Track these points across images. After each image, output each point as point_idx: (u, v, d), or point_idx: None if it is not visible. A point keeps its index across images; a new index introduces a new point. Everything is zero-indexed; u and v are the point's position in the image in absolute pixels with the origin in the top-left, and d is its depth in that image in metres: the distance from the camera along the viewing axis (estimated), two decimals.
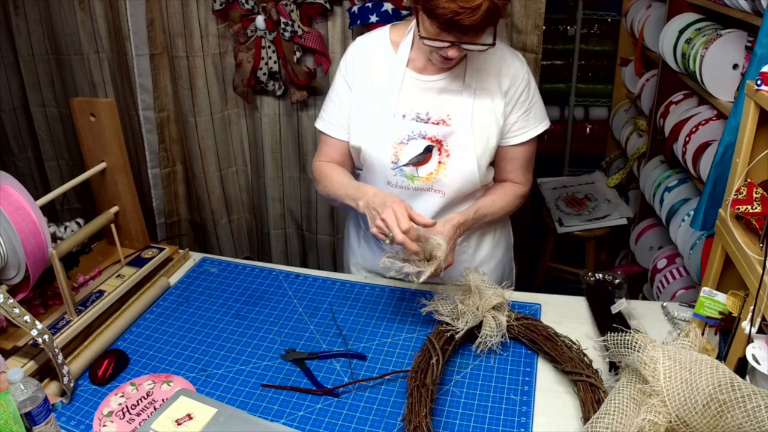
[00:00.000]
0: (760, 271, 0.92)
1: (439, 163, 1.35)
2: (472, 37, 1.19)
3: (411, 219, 1.18)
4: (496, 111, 1.35)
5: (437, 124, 1.35)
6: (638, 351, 0.99)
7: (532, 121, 1.39)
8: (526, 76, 1.36)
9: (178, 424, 1.04)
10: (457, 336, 1.21)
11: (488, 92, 1.34)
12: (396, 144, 1.35)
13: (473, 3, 1.10)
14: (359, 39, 1.42)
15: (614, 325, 1.23)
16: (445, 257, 1.23)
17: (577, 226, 2.74)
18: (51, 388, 1.18)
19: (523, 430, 1.08)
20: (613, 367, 1.15)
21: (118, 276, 1.49)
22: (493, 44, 1.22)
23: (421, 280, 1.19)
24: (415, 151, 1.35)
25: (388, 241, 1.17)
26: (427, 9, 1.15)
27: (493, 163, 1.44)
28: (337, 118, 1.42)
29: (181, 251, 1.66)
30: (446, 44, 1.20)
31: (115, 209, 1.54)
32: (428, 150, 1.35)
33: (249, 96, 2.07)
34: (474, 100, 1.33)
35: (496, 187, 1.45)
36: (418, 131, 1.35)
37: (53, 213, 2.54)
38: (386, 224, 1.17)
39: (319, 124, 1.47)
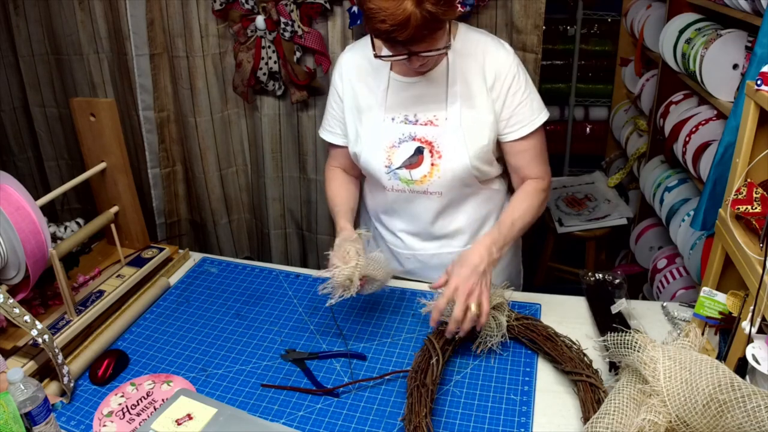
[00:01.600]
0: (760, 271, 0.92)
1: (432, 165, 1.34)
2: (426, 46, 1.17)
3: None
4: (483, 107, 1.32)
5: (425, 125, 1.34)
6: (638, 351, 0.99)
7: (529, 113, 1.34)
8: (513, 66, 1.31)
9: (178, 424, 1.04)
10: (457, 336, 1.21)
11: (473, 89, 1.32)
12: (388, 148, 1.36)
13: (399, 18, 1.08)
14: (347, 48, 1.45)
15: (614, 325, 1.23)
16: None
17: (577, 226, 2.74)
18: (51, 388, 1.18)
19: (523, 430, 1.08)
20: (613, 367, 1.15)
21: (118, 276, 1.49)
22: (447, 47, 1.20)
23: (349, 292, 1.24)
24: (406, 153, 1.35)
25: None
26: (369, 30, 1.15)
27: (499, 159, 1.42)
28: (334, 127, 1.46)
29: (181, 251, 1.66)
30: (403, 57, 1.20)
31: (115, 209, 1.54)
32: (419, 152, 1.34)
33: (249, 96, 2.07)
34: (460, 99, 1.32)
35: (516, 192, 1.40)
36: (408, 133, 1.35)
37: (53, 213, 2.53)
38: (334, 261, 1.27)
39: (322, 134, 1.50)
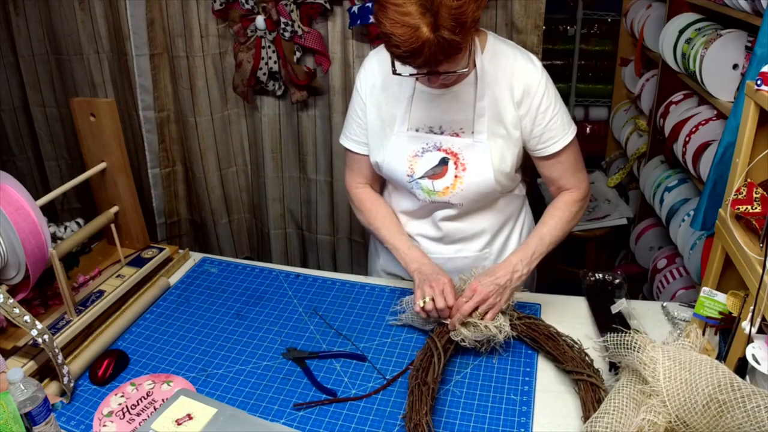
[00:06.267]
0: (760, 271, 0.92)
1: (456, 177, 1.32)
2: (445, 66, 1.13)
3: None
4: (510, 122, 1.29)
5: (451, 136, 1.32)
6: (638, 351, 0.99)
7: (561, 128, 1.30)
8: (542, 82, 1.27)
9: (178, 424, 1.04)
10: (460, 341, 1.22)
11: (500, 103, 1.28)
12: (410, 157, 1.33)
13: (413, 46, 1.04)
14: (371, 54, 1.39)
15: (614, 325, 1.23)
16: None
17: (577, 226, 2.73)
18: (51, 388, 1.18)
19: (523, 430, 1.08)
20: (613, 367, 1.15)
21: (118, 276, 1.49)
22: (467, 70, 1.17)
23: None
24: (430, 163, 1.32)
25: (420, 303, 1.24)
26: (386, 49, 1.12)
27: (518, 169, 1.40)
28: (359, 134, 1.41)
29: (181, 251, 1.66)
30: (422, 74, 1.16)
31: (115, 209, 1.54)
32: (444, 162, 1.32)
33: (249, 96, 2.07)
34: (487, 113, 1.28)
35: (549, 206, 1.39)
36: (433, 143, 1.32)
37: (53, 213, 2.53)
38: (432, 291, 1.23)
39: (344, 141, 1.45)
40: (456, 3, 1.03)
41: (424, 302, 1.23)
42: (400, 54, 1.08)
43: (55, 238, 1.56)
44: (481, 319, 1.21)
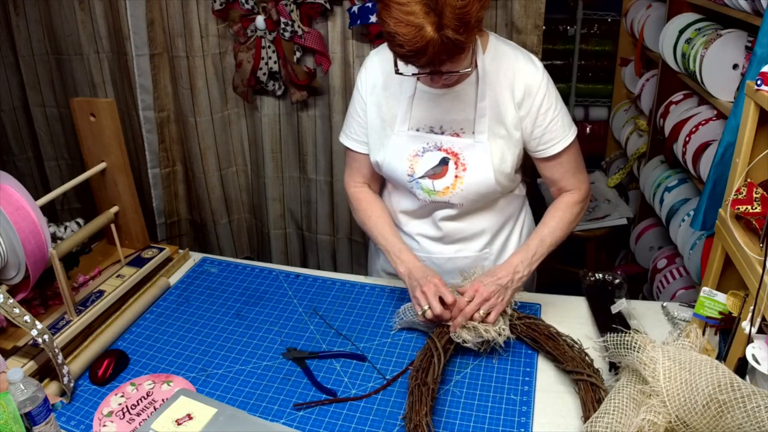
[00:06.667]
0: (760, 271, 0.92)
1: (456, 177, 1.32)
2: (448, 66, 1.13)
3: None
4: (510, 123, 1.29)
5: (452, 136, 1.32)
6: (638, 351, 0.99)
7: (561, 130, 1.31)
8: (543, 83, 1.27)
9: (178, 424, 1.04)
10: (462, 341, 1.22)
11: (501, 103, 1.28)
12: (411, 157, 1.33)
13: (417, 45, 1.04)
14: (373, 53, 1.39)
15: (614, 325, 1.23)
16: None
17: (577, 226, 2.73)
18: (51, 388, 1.18)
19: (523, 430, 1.08)
20: (613, 367, 1.15)
21: (118, 276, 1.49)
22: (470, 69, 1.18)
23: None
24: (430, 163, 1.32)
25: (420, 313, 1.25)
26: (390, 48, 1.12)
27: (518, 170, 1.40)
28: (359, 133, 1.41)
29: (181, 251, 1.66)
30: (424, 74, 1.16)
31: (115, 209, 1.54)
32: (444, 162, 1.31)
33: (249, 96, 2.07)
34: (488, 112, 1.28)
35: (550, 207, 1.39)
36: (434, 143, 1.32)
37: (53, 213, 2.53)
38: (426, 297, 1.24)
39: (344, 140, 1.45)
40: (460, 3, 1.03)
41: (424, 312, 1.24)
42: (403, 53, 1.08)
43: (55, 238, 1.56)
44: (483, 320, 1.21)
